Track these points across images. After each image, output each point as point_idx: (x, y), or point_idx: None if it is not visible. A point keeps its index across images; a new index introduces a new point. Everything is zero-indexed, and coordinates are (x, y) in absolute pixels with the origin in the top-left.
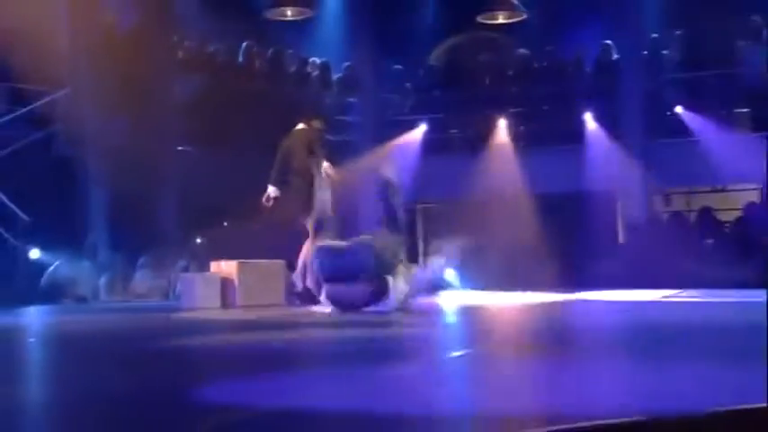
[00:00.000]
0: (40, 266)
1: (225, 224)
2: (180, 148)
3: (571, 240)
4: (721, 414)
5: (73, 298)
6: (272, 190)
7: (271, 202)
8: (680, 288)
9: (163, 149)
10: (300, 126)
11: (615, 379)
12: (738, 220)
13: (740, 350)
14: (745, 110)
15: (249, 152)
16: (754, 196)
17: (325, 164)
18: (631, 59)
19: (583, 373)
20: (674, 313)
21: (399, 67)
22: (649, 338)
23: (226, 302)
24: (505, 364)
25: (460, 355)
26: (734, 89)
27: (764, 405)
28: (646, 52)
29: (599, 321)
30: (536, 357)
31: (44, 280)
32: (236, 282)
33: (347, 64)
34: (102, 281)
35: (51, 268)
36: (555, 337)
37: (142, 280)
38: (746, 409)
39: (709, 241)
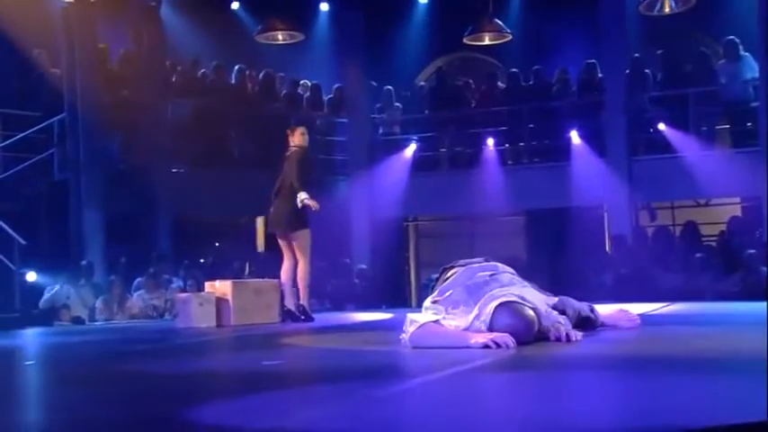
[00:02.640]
0: (36, 289)
1: (217, 244)
2: (174, 169)
3: (559, 255)
4: (720, 429)
5: (69, 320)
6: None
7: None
8: (666, 301)
9: (157, 171)
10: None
11: (608, 393)
12: (722, 233)
13: (735, 363)
14: (725, 126)
15: (243, 172)
16: (736, 210)
17: (302, 195)
18: (614, 78)
19: (579, 388)
20: (663, 326)
21: (389, 87)
22: (641, 352)
23: (221, 322)
24: (501, 379)
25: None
26: (714, 106)
27: (765, 420)
28: (628, 71)
29: (590, 335)
30: (528, 371)
31: (41, 302)
32: (231, 301)
33: (337, 85)
34: (99, 302)
35: (48, 290)
36: (547, 350)
37: (138, 300)
38: (746, 425)
39: (697, 255)
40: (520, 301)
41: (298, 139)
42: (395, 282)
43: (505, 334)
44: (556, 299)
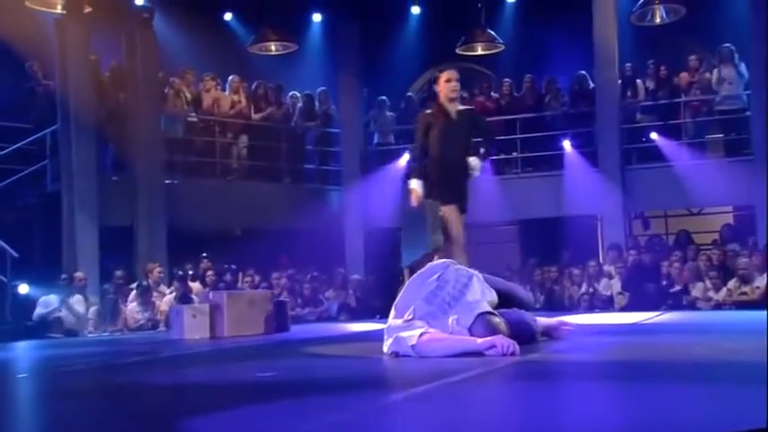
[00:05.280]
0: (29, 301)
1: (204, 255)
2: (167, 180)
3: (554, 265)
4: None
5: (62, 332)
6: None
7: None
8: (660, 310)
9: (150, 182)
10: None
11: (606, 404)
12: (715, 242)
13: (733, 371)
14: (718, 135)
15: (239, 183)
16: (729, 219)
17: (411, 182)
18: (607, 88)
19: (577, 397)
20: (658, 335)
21: (383, 97)
22: (636, 361)
23: (214, 333)
24: (499, 389)
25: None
26: (707, 116)
27: (764, 428)
28: (620, 81)
29: (587, 344)
30: (525, 381)
31: (34, 315)
32: (225, 312)
33: (330, 95)
34: (91, 314)
35: (40, 303)
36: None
37: (131, 312)
38: None
39: (690, 264)
40: (492, 311)
41: (440, 87)
42: (389, 292)
43: (511, 341)
44: (494, 294)
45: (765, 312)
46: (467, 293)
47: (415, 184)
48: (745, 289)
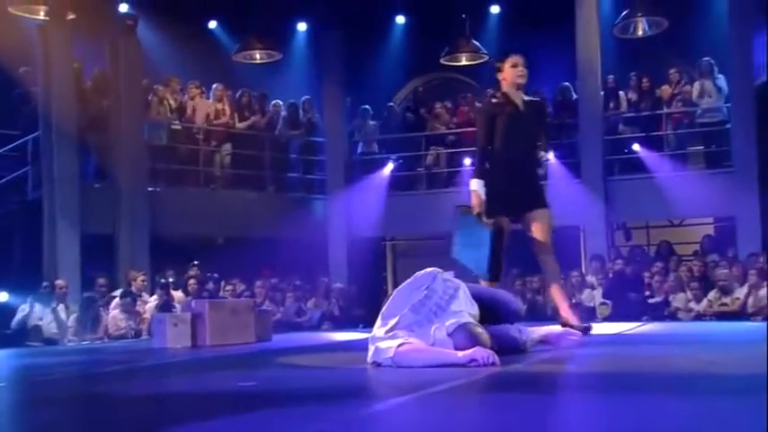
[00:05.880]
0: (8, 309)
1: (195, 263)
2: (150, 188)
3: (536, 275)
4: None
5: (42, 340)
6: None
7: None
8: (641, 321)
9: (133, 190)
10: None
11: (590, 416)
12: (696, 253)
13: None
14: (699, 147)
15: (222, 192)
16: (710, 230)
17: (472, 184)
18: (590, 100)
19: (563, 409)
20: (640, 345)
21: (366, 107)
22: (620, 372)
23: (196, 342)
24: (482, 400)
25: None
26: (688, 128)
27: None
28: (603, 92)
29: (568, 355)
30: (506, 392)
31: (13, 323)
32: (207, 321)
33: (314, 104)
34: (72, 322)
35: (20, 311)
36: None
37: (115, 319)
38: None
39: (670, 274)
40: (473, 321)
41: (505, 73)
42: (372, 301)
43: (491, 351)
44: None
45: (745, 323)
46: (452, 303)
47: (477, 185)
48: (726, 300)
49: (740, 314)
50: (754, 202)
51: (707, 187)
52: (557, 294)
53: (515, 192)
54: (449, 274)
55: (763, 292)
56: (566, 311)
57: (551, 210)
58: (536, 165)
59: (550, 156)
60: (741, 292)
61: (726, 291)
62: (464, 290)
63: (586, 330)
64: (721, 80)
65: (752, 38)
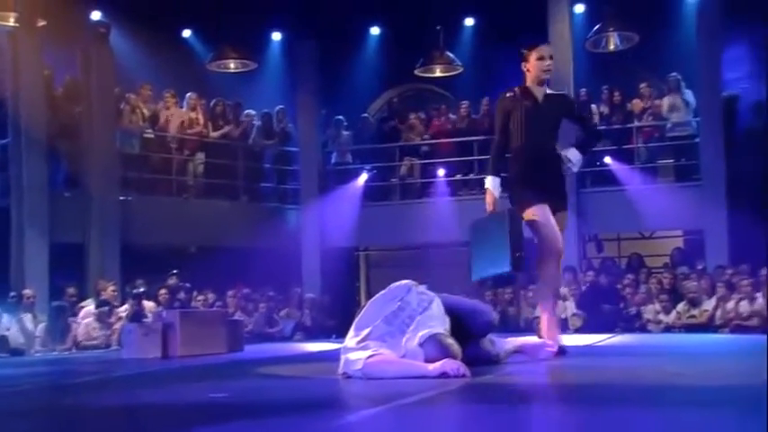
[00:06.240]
0: None
1: (174, 272)
2: (122, 197)
3: (509, 286)
4: None
5: (8, 351)
6: None
7: None
8: (613, 332)
9: (104, 198)
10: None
11: (561, 428)
12: (666, 265)
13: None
14: (669, 161)
15: (195, 201)
16: (679, 243)
17: (487, 181)
18: None
19: (528, 421)
20: (609, 357)
21: (340, 117)
22: (587, 384)
23: (167, 352)
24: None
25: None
26: (659, 141)
27: None
28: (575, 105)
29: (539, 366)
30: (478, 404)
31: None
32: (178, 331)
33: (288, 114)
34: (40, 331)
35: None
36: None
37: (83, 330)
38: None
39: (641, 286)
40: (444, 332)
41: (530, 65)
42: (345, 312)
43: (460, 363)
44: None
45: (713, 335)
46: (425, 315)
47: (491, 183)
48: (694, 312)
49: (708, 326)
50: (721, 215)
51: (676, 200)
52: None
53: (544, 185)
54: (423, 287)
55: (730, 304)
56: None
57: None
58: (557, 162)
59: (607, 159)
60: (709, 305)
61: (694, 303)
62: (438, 303)
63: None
64: (689, 95)
65: (719, 53)
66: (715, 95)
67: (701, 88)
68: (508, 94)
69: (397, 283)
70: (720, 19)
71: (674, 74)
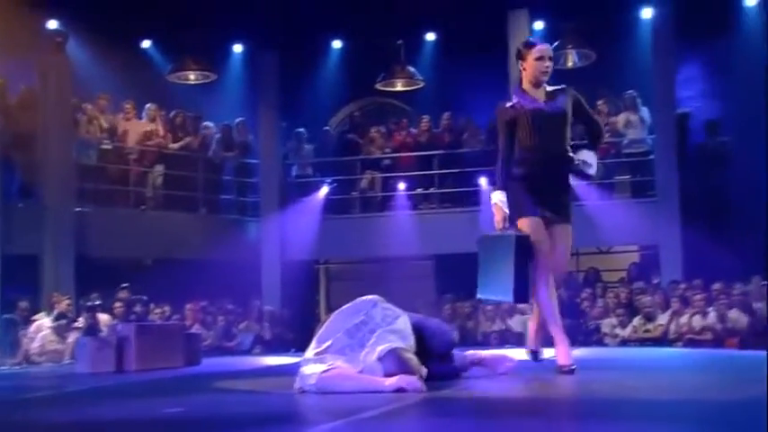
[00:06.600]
0: None
1: (124, 286)
2: (78, 208)
3: (469, 300)
4: None
5: None
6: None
7: None
8: (571, 346)
9: (59, 210)
10: None
11: None
12: (622, 280)
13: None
14: (625, 177)
15: (153, 213)
16: (635, 258)
17: (494, 196)
18: None
19: None
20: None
21: (301, 130)
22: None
23: (122, 366)
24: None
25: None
26: (615, 158)
27: None
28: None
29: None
30: (436, 418)
31: None
32: (133, 345)
33: (249, 126)
34: None
35: None
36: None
37: (36, 344)
38: None
39: (598, 300)
40: (404, 347)
41: (527, 65)
42: (305, 325)
43: (415, 378)
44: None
45: (667, 349)
46: (388, 331)
47: (498, 198)
48: (649, 326)
49: (662, 340)
50: (675, 230)
51: (632, 216)
52: (545, 331)
53: (542, 200)
54: (390, 304)
55: (684, 318)
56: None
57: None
58: (566, 170)
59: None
60: (663, 319)
61: (649, 317)
62: (405, 320)
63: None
64: (645, 112)
65: (674, 72)
66: (669, 113)
67: (656, 106)
68: (508, 104)
69: (364, 298)
70: (674, 38)
71: (630, 91)
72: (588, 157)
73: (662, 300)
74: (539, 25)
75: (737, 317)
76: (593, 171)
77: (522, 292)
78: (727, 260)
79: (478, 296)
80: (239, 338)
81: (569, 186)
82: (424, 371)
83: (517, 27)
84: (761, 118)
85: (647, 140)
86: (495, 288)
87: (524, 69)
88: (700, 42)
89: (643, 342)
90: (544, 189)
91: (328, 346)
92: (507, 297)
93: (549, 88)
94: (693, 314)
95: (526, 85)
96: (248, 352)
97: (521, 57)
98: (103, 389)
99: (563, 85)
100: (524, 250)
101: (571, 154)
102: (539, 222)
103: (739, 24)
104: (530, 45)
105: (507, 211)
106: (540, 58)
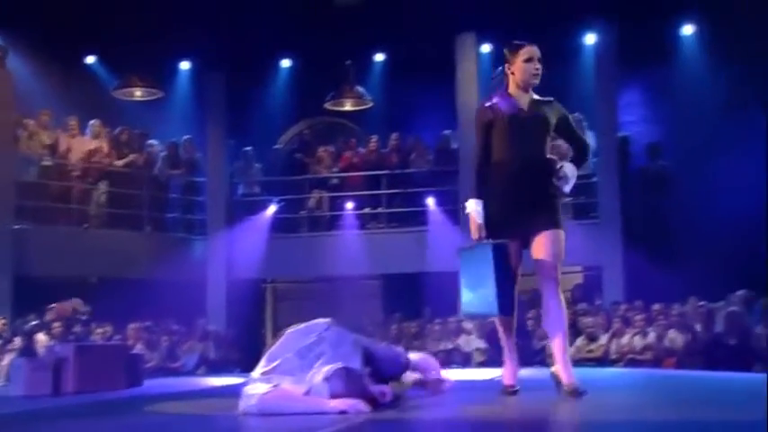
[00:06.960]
0: None
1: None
2: (17, 226)
3: (416, 320)
4: None
5: None
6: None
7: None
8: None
9: None
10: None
11: None
12: (566, 301)
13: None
14: (568, 199)
15: (96, 231)
16: (579, 279)
17: (469, 205)
18: (470, 148)
19: None
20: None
21: (248, 148)
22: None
23: (60, 389)
24: None
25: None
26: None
27: None
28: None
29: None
30: None
31: None
32: (72, 366)
33: (196, 143)
34: None
35: None
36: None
37: None
38: None
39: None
40: (351, 368)
41: (515, 67)
42: (250, 345)
43: (359, 400)
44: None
45: (608, 369)
46: (338, 353)
47: (473, 207)
48: (592, 346)
49: (604, 360)
50: (617, 252)
51: (575, 237)
52: (556, 347)
53: (519, 209)
54: (341, 327)
55: (625, 339)
56: (562, 367)
57: (564, 233)
58: (547, 177)
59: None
60: (605, 339)
61: (592, 337)
62: (357, 343)
63: (579, 394)
64: (590, 136)
65: (615, 96)
66: (611, 136)
67: (598, 129)
68: (487, 104)
69: (318, 320)
70: (617, 64)
71: (576, 114)
72: (569, 172)
73: (604, 320)
74: (486, 48)
75: (675, 337)
76: (568, 189)
77: (507, 304)
78: (666, 281)
79: (462, 314)
80: (183, 359)
81: (554, 192)
82: (387, 389)
83: (464, 50)
84: (699, 142)
85: (590, 163)
86: (479, 303)
87: (512, 73)
88: (641, 68)
89: (585, 362)
90: (521, 198)
91: (276, 366)
92: (492, 311)
93: (536, 97)
94: (634, 334)
95: (513, 89)
96: (193, 373)
97: (507, 60)
98: (36, 412)
99: (551, 98)
100: (503, 258)
101: (554, 157)
102: (508, 246)
103: (677, 52)
104: (516, 47)
105: (480, 221)
106: (529, 60)
